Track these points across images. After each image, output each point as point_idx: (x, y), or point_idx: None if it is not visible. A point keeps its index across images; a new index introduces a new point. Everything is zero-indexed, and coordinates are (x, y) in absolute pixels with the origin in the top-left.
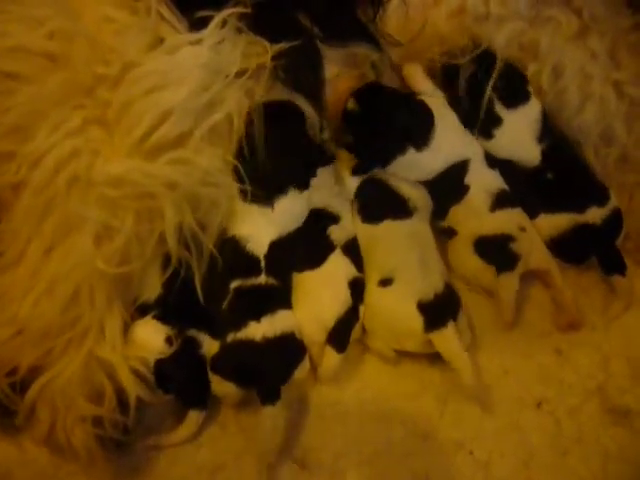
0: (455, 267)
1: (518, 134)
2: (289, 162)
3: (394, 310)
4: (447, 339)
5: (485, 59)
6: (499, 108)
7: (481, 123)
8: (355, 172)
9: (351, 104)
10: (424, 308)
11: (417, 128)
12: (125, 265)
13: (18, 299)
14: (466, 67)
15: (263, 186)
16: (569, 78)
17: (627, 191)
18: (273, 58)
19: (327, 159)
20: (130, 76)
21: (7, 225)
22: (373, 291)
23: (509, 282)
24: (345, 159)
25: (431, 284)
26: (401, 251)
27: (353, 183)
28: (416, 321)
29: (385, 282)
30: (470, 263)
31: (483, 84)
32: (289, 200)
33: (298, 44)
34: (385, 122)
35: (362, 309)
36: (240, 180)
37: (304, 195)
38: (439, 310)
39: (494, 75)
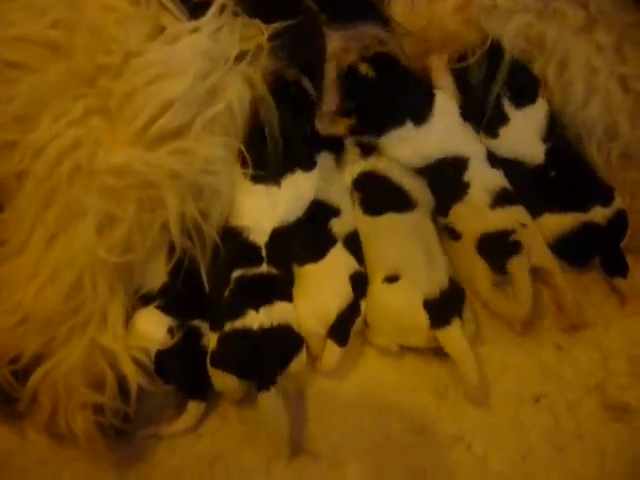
0: (459, 272)
1: (523, 134)
2: (296, 142)
3: (400, 307)
4: (452, 337)
5: (493, 56)
6: (507, 107)
7: (487, 121)
8: (351, 133)
9: (365, 69)
10: (430, 306)
11: (418, 103)
12: (127, 254)
13: (21, 287)
14: (475, 67)
15: (271, 165)
16: (575, 71)
17: (629, 189)
18: (270, 38)
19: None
20: (132, 66)
21: (10, 214)
22: (378, 287)
23: (519, 266)
24: (350, 148)
25: (436, 280)
26: (406, 245)
27: (351, 174)
28: (422, 318)
29: (391, 279)
30: (475, 267)
31: (492, 82)
32: (295, 180)
33: (296, 21)
34: (395, 92)
35: (364, 304)
36: (246, 163)
37: (311, 176)
38: (444, 307)
39: (503, 72)
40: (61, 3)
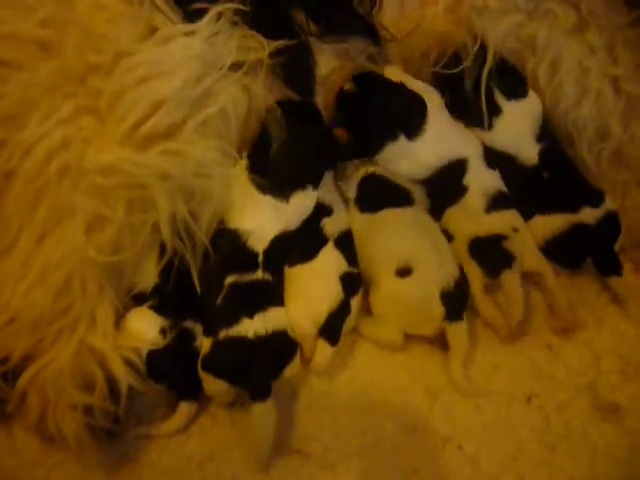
0: None
1: (518, 127)
2: (310, 160)
3: (418, 299)
4: (460, 333)
5: (481, 54)
6: (498, 97)
7: (481, 113)
8: (344, 156)
9: (348, 85)
10: (446, 297)
11: (410, 116)
12: (117, 254)
13: (10, 287)
14: (470, 69)
15: (283, 179)
16: (566, 72)
17: (620, 189)
18: (270, 55)
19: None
20: (122, 65)
21: None
22: (392, 281)
23: (511, 279)
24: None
25: (449, 270)
26: (412, 237)
27: (355, 180)
28: (438, 310)
29: (403, 272)
30: (467, 269)
31: (481, 79)
32: (303, 196)
33: (292, 43)
34: (379, 105)
35: (354, 303)
36: (256, 171)
37: (315, 194)
38: (459, 300)
39: (489, 63)
40: (51, 1)
